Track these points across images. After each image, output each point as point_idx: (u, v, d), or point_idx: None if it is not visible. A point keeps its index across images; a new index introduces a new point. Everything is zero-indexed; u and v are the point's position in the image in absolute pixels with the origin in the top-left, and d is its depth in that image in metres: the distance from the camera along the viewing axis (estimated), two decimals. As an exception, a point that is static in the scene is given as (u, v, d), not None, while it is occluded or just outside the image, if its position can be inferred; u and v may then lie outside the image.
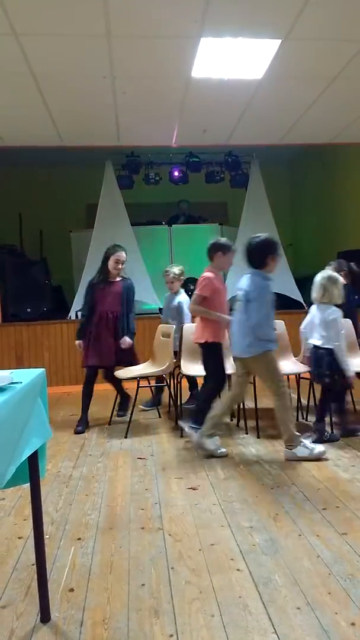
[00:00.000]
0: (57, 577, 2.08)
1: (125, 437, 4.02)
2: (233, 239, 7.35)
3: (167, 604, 1.86)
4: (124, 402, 4.64)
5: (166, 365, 4.31)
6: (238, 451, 3.60)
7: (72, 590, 1.98)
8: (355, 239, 7.34)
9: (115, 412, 4.56)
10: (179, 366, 4.31)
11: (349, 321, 4.31)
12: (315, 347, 3.69)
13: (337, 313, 3.66)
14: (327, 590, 1.91)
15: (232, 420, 4.44)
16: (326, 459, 3.33)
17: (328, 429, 3.81)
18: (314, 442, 3.51)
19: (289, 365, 4.30)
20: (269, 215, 7.33)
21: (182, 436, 3.99)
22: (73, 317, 6.42)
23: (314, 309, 3.82)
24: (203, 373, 3.85)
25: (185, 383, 4.72)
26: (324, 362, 3.61)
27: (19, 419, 1.59)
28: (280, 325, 4.48)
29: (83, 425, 4.25)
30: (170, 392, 4.64)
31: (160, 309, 6.49)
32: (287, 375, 4.45)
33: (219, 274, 3.96)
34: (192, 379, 4.75)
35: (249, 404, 4.52)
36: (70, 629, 1.75)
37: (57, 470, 3.35)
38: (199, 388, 4.46)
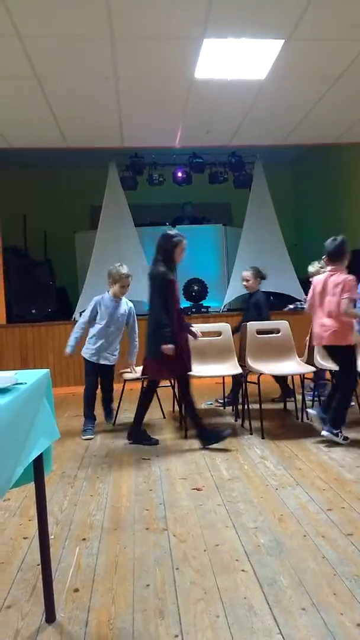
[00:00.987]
0: (62, 577, 2.08)
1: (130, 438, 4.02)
2: (237, 240, 7.38)
3: (172, 605, 1.86)
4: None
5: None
6: (243, 452, 3.60)
7: (77, 590, 1.99)
8: (360, 239, 7.32)
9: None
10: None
11: None
12: None
13: None
14: (332, 591, 1.90)
15: (236, 421, 4.43)
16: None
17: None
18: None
19: (294, 365, 4.29)
20: (273, 215, 7.33)
21: (186, 437, 3.99)
22: (77, 318, 6.43)
23: None
24: (215, 373, 3.87)
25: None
26: None
27: (25, 420, 1.60)
28: (284, 325, 4.48)
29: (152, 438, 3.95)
30: (174, 393, 4.64)
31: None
32: (292, 376, 4.48)
33: None
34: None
35: (254, 404, 4.51)
36: (75, 629, 1.75)
37: (62, 470, 3.35)
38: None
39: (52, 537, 2.40)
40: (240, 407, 4.44)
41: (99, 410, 4.43)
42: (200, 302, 7.14)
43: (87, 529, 2.51)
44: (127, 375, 4.35)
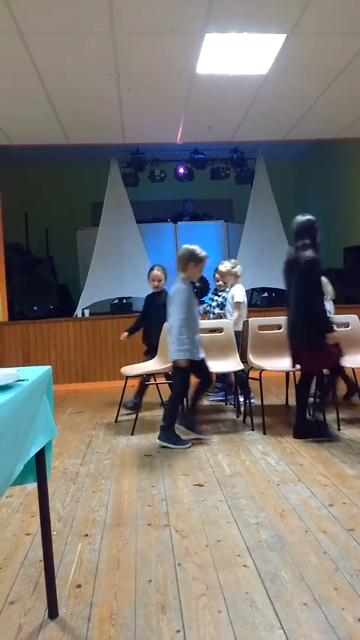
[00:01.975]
0: (65, 573, 2.09)
1: (132, 434, 4.04)
2: (238, 236, 7.37)
3: (174, 600, 1.87)
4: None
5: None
6: (244, 448, 3.60)
7: (79, 586, 1.99)
8: (362, 235, 7.30)
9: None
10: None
11: None
12: None
13: None
14: (333, 586, 1.91)
15: (238, 417, 4.44)
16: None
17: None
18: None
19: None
20: (275, 211, 7.32)
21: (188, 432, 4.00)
22: (79, 315, 6.44)
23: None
24: (217, 369, 3.90)
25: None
26: None
27: (26, 417, 1.60)
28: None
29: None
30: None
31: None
32: (294, 372, 4.47)
33: None
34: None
35: (256, 400, 4.52)
36: (77, 624, 1.76)
37: (64, 467, 3.36)
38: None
39: (55, 533, 2.41)
40: (242, 402, 4.44)
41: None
42: (202, 299, 7.13)
43: (89, 525, 2.52)
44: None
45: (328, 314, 3.64)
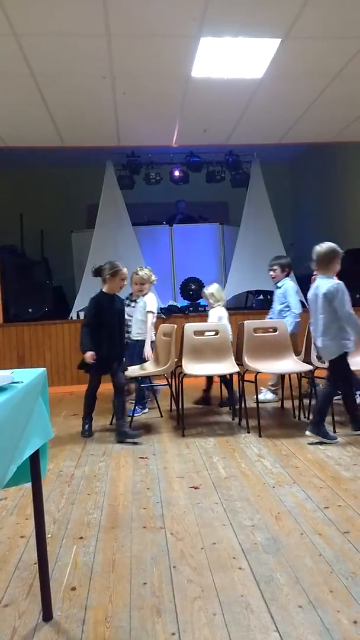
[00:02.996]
0: (59, 576, 2.08)
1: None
2: (234, 239, 7.39)
3: (169, 603, 1.87)
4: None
5: (168, 364, 4.31)
6: (240, 450, 3.60)
7: (74, 589, 1.99)
8: (357, 238, 7.33)
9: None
10: (180, 365, 4.31)
11: None
12: None
13: None
14: (329, 589, 1.91)
15: (233, 419, 4.44)
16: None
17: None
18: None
19: (290, 364, 4.29)
20: (270, 214, 7.34)
21: (183, 435, 3.99)
22: (75, 317, 6.43)
23: None
24: (212, 372, 3.95)
25: (187, 382, 4.72)
26: None
27: (20, 419, 1.60)
28: (280, 324, 4.48)
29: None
30: (172, 392, 4.65)
31: (161, 309, 6.50)
32: (289, 375, 4.49)
33: None
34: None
35: (251, 403, 4.52)
36: (72, 627, 1.76)
37: (59, 469, 3.35)
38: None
39: (49, 535, 2.40)
40: (237, 405, 4.44)
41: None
42: (197, 301, 7.15)
43: (84, 527, 2.51)
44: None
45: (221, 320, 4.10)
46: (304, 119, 5.52)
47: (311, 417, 3.95)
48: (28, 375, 1.72)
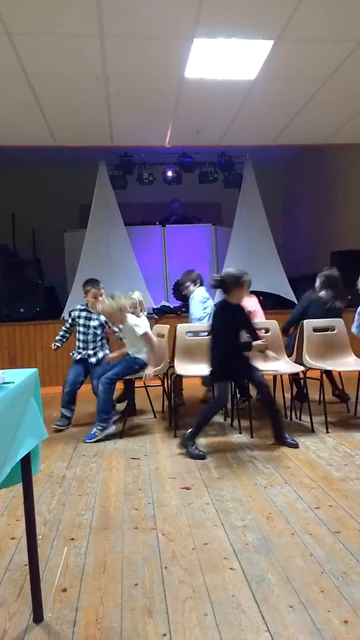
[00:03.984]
0: (50, 577, 2.07)
1: (120, 438, 4.02)
2: (226, 240, 7.40)
3: (160, 603, 1.86)
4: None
5: (161, 365, 4.30)
6: (232, 451, 3.61)
7: (65, 590, 1.98)
8: (348, 240, 7.37)
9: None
10: (172, 366, 4.31)
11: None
12: None
13: None
14: (319, 589, 1.92)
15: (225, 420, 4.44)
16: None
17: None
18: None
19: (283, 365, 4.31)
20: (263, 215, 7.36)
21: (175, 436, 3.99)
22: (66, 318, 6.40)
23: None
24: (204, 372, 3.87)
25: (186, 383, 4.74)
26: None
27: (12, 419, 1.59)
28: (273, 324, 4.50)
29: None
30: (165, 392, 4.64)
31: (154, 309, 6.49)
32: (281, 375, 4.51)
33: None
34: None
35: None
36: (63, 628, 1.75)
37: (50, 470, 3.34)
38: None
39: (40, 537, 2.39)
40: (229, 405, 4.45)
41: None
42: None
43: (75, 528, 2.50)
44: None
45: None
46: (296, 121, 5.54)
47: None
48: (19, 376, 1.71)
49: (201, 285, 5.08)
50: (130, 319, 4.17)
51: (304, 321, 4.33)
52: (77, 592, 1.96)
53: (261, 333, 4.08)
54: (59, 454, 3.68)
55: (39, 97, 4.71)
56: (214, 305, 4.68)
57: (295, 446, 3.59)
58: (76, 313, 4.58)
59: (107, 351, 4.51)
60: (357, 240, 7.14)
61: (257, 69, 4.28)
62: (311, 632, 1.68)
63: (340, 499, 2.71)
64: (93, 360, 4.40)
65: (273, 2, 3.35)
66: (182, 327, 4.42)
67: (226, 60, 4.13)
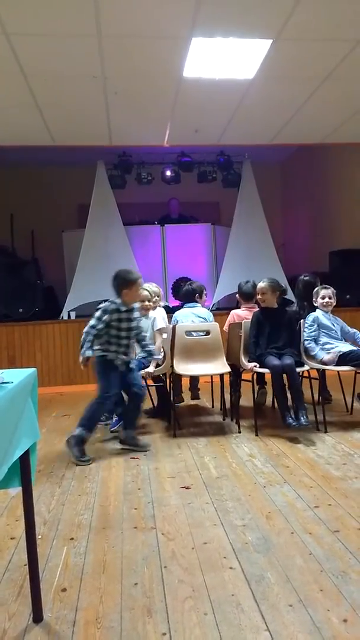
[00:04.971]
0: (50, 577, 2.07)
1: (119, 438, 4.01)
2: (225, 239, 7.40)
3: (160, 603, 1.86)
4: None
5: (164, 364, 4.30)
6: (231, 450, 3.61)
7: (64, 590, 1.98)
8: (347, 239, 7.38)
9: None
10: (171, 365, 4.30)
11: None
12: None
13: None
14: (319, 587, 1.92)
15: (225, 419, 4.45)
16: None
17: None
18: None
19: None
20: (261, 215, 7.36)
21: (174, 435, 3.99)
22: (65, 318, 6.41)
23: None
24: (203, 372, 3.85)
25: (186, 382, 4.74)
26: None
27: (11, 419, 1.59)
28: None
29: None
30: (166, 391, 4.64)
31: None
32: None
33: None
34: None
35: (244, 403, 4.53)
36: (62, 628, 1.75)
37: (49, 470, 3.34)
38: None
39: (40, 537, 2.39)
40: (229, 404, 4.45)
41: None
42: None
43: (74, 528, 2.50)
44: None
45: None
46: (294, 121, 5.54)
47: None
48: (18, 376, 1.71)
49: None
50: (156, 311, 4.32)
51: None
52: (77, 592, 1.96)
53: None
54: (58, 453, 3.68)
55: (37, 97, 4.71)
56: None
57: None
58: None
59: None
60: (356, 240, 7.15)
61: (255, 68, 4.28)
62: (310, 630, 1.68)
63: (339, 498, 2.72)
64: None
65: (271, 1, 3.36)
66: (180, 327, 4.42)
67: (224, 59, 4.13)
